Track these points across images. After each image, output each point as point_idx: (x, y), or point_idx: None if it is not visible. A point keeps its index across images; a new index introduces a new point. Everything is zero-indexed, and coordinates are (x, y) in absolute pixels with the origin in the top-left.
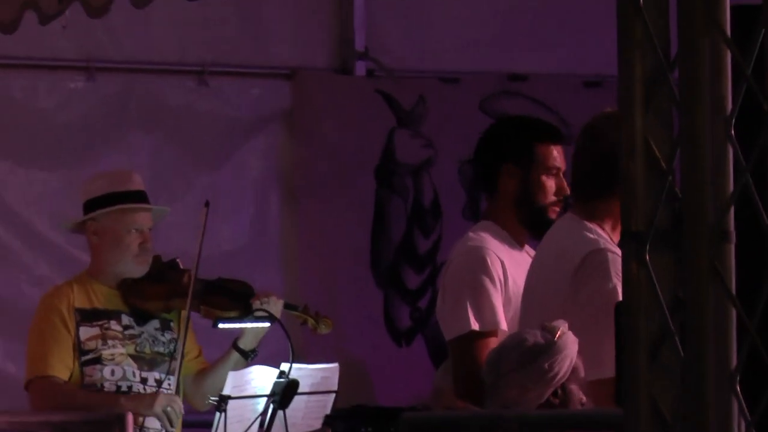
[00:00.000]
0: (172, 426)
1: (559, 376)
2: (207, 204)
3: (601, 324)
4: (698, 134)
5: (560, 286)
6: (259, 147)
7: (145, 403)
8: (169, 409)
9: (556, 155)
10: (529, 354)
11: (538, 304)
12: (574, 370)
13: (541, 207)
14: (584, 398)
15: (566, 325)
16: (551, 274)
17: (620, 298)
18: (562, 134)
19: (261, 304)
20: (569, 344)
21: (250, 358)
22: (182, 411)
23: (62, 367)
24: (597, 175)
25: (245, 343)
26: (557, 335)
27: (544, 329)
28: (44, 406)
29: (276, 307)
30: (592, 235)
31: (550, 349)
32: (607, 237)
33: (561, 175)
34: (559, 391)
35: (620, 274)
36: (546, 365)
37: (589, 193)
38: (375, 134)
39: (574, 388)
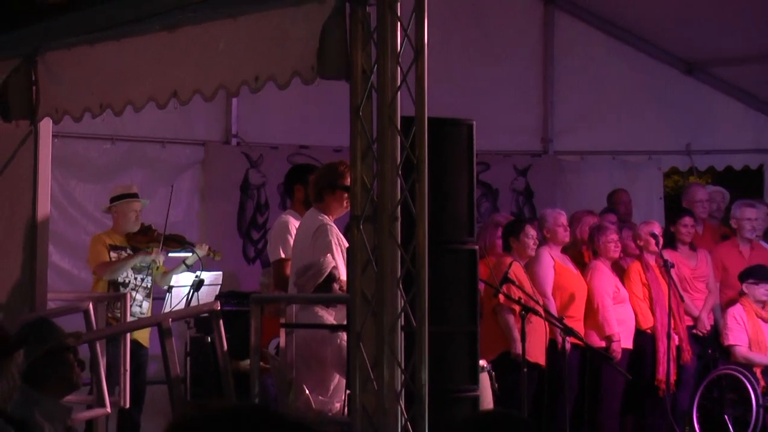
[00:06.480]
0: None
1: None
2: (172, 186)
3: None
4: (385, 173)
5: (307, 242)
6: (189, 177)
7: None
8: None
9: None
10: (314, 270)
11: (299, 252)
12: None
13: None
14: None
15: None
16: (303, 239)
17: (333, 246)
18: (316, 167)
19: (200, 246)
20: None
21: (189, 269)
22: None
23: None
24: (317, 191)
25: (189, 261)
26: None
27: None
28: (102, 272)
29: (205, 247)
30: (321, 217)
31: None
32: (329, 219)
33: None
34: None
35: (333, 236)
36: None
37: (315, 199)
38: (239, 171)
39: (336, 285)
